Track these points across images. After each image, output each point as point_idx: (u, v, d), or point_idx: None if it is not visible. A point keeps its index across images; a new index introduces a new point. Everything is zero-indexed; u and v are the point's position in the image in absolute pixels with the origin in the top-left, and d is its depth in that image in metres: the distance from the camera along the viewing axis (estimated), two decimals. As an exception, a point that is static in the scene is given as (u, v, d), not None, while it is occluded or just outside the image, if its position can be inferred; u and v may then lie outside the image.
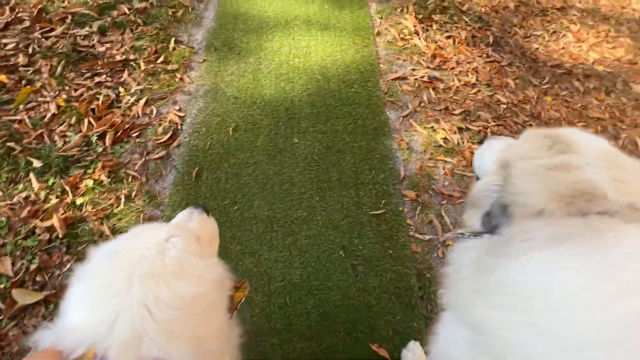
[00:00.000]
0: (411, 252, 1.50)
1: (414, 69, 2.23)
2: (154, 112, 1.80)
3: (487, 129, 2.00)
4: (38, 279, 1.32)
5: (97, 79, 1.84)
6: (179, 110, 1.84)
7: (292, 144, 1.79)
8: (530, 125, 2.09)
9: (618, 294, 0.43)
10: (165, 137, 1.72)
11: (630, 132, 2.16)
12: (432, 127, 1.93)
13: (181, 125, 1.79)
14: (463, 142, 1.91)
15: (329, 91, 2.03)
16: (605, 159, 0.58)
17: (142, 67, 1.92)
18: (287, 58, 2.14)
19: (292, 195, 1.63)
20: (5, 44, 1.84)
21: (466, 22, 2.68)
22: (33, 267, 1.32)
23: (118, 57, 1.93)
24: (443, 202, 1.68)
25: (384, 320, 1.32)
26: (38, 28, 1.93)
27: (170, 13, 2.20)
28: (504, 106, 2.14)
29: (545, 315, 0.48)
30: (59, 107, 1.70)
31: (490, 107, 2.12)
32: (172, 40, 2.07)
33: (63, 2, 2.07)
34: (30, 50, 1.85)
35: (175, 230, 0.66)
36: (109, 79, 1.86)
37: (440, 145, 1.87)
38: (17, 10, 1.98)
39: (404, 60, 2.29)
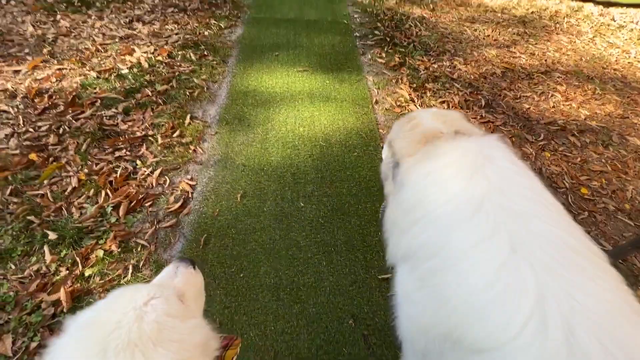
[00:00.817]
0: (425, 320, 1.42)
1: (412, 132, 2.36)
2: (167, 181, 1.90)
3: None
4: (36, 358, 1.27)
5: (117, 154, 1.99)
6: (191, 179, 1.94)
7: (298, 208, 1.83)
8: (533, 180, 2.12)
9: (454, 175, 0.83)
10: (177, 206, 1.78)
11: (637, 184, 2.15)
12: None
13: (192, 193, 1.87)
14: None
15: (332, 156, 2.13)
16: (435, 114, 1.10)
17: (160, 141, 2.09)
18: (292, 127, 2.31)
19: (298, 260, 1.61)
20: (40, 127, 2.05)
21: (458, 88, 2.90)
22: (33, 345, 1.29)
23: (138, 133, 2.11)
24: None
25: (402, 402, 1.20)
26: (70, 111, 2.16)
27: (187, 93, 2.45)
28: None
29: (422, 204, 0.86)
30: (79, 180, 1.82)
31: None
32: (188, 116, 2.28)
33: (95, 88, 2.35)
34: (60, 131, 2.05)
35: (156, 290, 0.62)
36: (128, 153, 2.01)
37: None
38: (54, 97, 2.24)
39: (402, 125, 2.43)
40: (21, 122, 2.06)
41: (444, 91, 2.83)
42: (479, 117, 2.61)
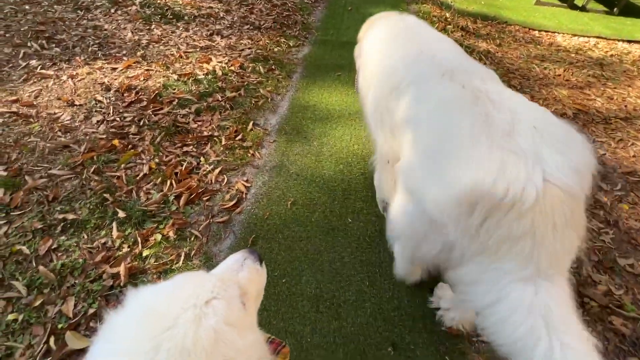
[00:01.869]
0: (472, 363, 1.30)
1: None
2: (225, 180, 2.01)
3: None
4: (92, 324, 1.36)
5: (185, 149, 2.16)
6: (246, 180, 2.03)
7: (346, 224, 1.82)
8: (607, 232, 1.91)
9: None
10: (231, 204, 1.87)
11: None
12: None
13: (246, 194, 1.95)
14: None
15: (385, 177, 2.11)
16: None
17: (223, 142, 2.23)
18: (347, 144, 2.34)
19: (341, 276, 1.59)
20: (125, 117, 2.30)
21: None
22: (91, 311, 1.39)
23: (205, 133, 2.28)
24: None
25: None
26: (151, 107, 2.41)
27: (253, 102, 2.62)
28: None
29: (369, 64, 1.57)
30: (150, 168, 1.99)
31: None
32: (251, 123, 2.41)
33: (174, 89, 2.60)
34: (141, 123, 2.28)
35: (220, 287, 0.59)
36: (194, 149, 2.17)
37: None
38: (140, 93, 2.52)
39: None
40: (111, 111, 2.34)
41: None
42: (545, 157, 2.44)
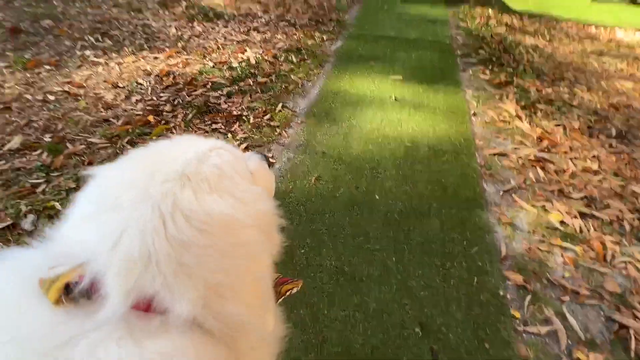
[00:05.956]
0: (518, 355, 1.09)
1: (516, 148, 2.04)
2: (250, 156, 1.98)
3: (622, 220, 1.58)
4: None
5: (214, 126, 2.18)
6: (272, 157, 1.98)
7: (372, 200, 1.69)
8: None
9: None
10: (254, 176, 1.82)
11: None
12: (544, 206, 1.62)
13: (270, 168, 1.90)
14: (588, 230, 1.52)
15: (417, 158, 1.96)
16: None
17: (251, 121, 2.22)
18: (378, 126, 2.23)
19: (364, 250, 1.45)
20: (161, 97, 2.39)
21: (578, 114, 2.47)
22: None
23: (235, 112, 2.29)
24: (564, 298, 1.26)
25: None
26: (186, 89, 2.49)
27: (283, 86, 2.61)
28: (645, 200, 1.71)
29: None
30: (179, 142, 2.02)
31: (624, 197, 1.72)
32: (280, 104, 2.40)
33: (209, 75, 2.68)
34: (175, 102, 2.35)
35: (223, 145, 0.51)
36: (223, 127, 2.18)
37: (556, 228, 1.52)
38: (177, 78, 2.62)
39: (504, 139, 2.14)
40: (149, 92, 2.44)
41: (560, 114, 2.43)
42: (607, 145, 2.14)
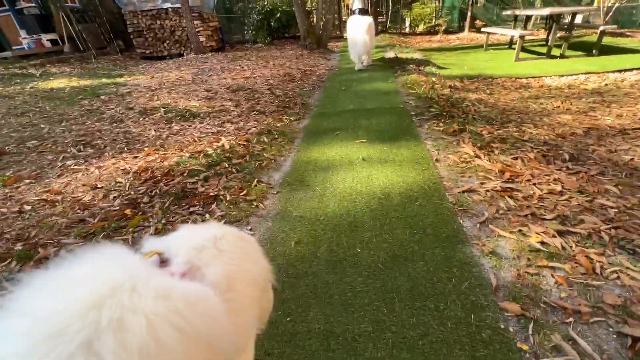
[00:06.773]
0: (537, 393, 0.97)
1: (482, 183, 2.14)
2: (229, 231, 1.97)
3: (599, 231, 1.60)
4: None
5: (191, 209, 2.20)
6: (250, 229, 1.98)
7: (355, 254, 1.66)
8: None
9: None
10: (232, 251, 1.78)
11: None
12: (520, 230, 1.63)
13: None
14: (570, 246, 1.51)
15: (391, 206, 2.00)
16: None
17: (228, 199, 2.27)
18: (350, 185, 2.31)
19: (353, 307, 1.36)
20: (139, 190, 2.45)
21: (531, 146, 2.68)
22: None
23: (212, 194, 2.35)
24: (568, 320, 1.18)
25: None
26: (164, 180, 2.58)
27: (257, 164, 2.75)
28: (615, 210, 1.76)
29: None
30: (156, 229, 2.01)
31: (594, 210, 1.77)
32: (255, 180, 2.49)
33: (186, 164, 2.81)
34: (152, 193, 2.40)
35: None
36: (200, 209, 2.21)
37: (539, 250, 1.51)
38: (155, 172, 2.74)
39: (469, 177, 2.25)
40: (127, 188, 2.51)
41: (515, 149, 2.63)
42: (564, 168, 2.28)
